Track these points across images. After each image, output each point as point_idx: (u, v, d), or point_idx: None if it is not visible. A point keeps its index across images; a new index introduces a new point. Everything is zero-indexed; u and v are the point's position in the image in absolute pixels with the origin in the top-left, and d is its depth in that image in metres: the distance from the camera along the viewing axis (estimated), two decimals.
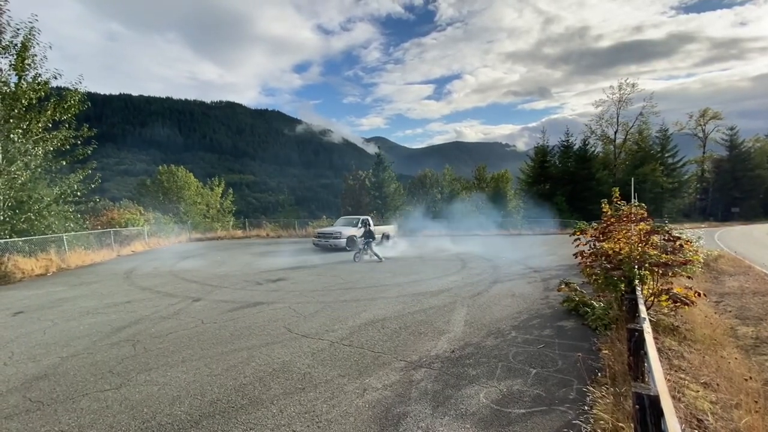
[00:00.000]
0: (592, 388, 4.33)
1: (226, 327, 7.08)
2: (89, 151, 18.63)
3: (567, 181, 46.81)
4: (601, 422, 3.57)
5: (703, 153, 59.24)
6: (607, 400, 3.93)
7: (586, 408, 4.03)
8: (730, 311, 8.35)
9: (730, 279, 11.66)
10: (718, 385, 4.53)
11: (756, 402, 3.98)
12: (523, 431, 3.75)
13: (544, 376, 4.94)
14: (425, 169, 61.69)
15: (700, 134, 59.32)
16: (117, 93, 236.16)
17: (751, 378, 4.81)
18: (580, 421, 3.77)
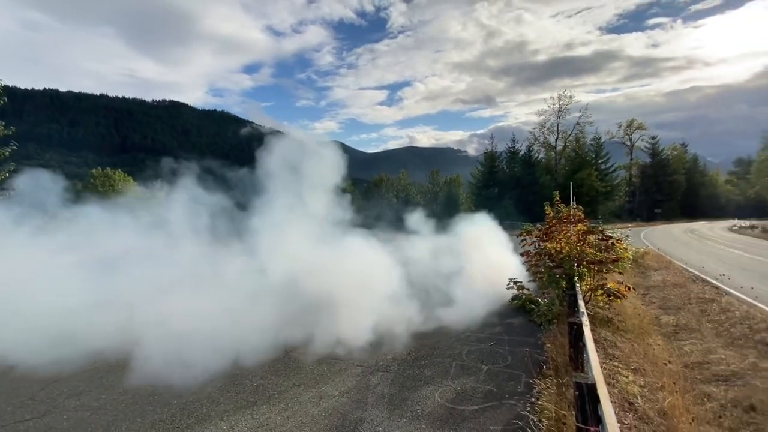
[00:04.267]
0: (538, 381, 4.60)
1: None
2: (7, 153, 16.69)
3: (514, 185, 49.51)
4: (546, 412, 3.80)
5: (630, 160, 65.31)
6: (552, 391, 4.19)
7: (533, 400, 4.27)
8: (655, 302, 9.26)
9: (654, 273, 12.93)
10: (645, 370, 5.00)
11: (675, 383, 4.45)
12: (476, 427, 3.90)
13: (495, 372, 5.16)
14: (380, 174, 62.29)
15: (628, 143, 65.39)
16: (41, 88, 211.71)
17: (670, 362, 5.37)
18: (528, 412, 3.98)
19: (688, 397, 4.39)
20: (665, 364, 5.22)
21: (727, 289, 10.14)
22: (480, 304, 7.89)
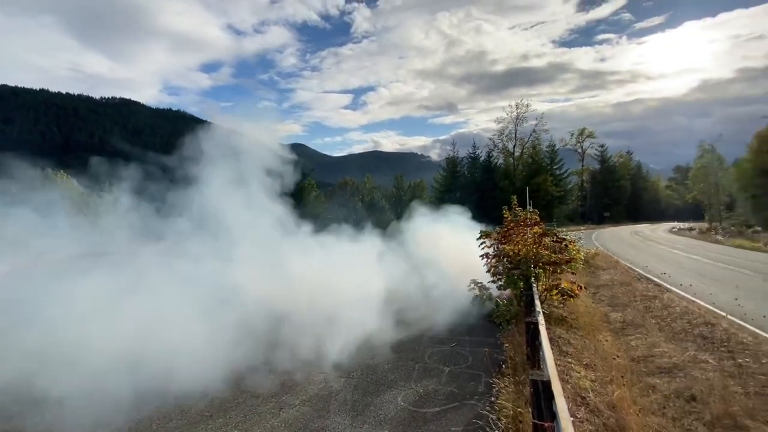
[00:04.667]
0: (497, 380, 4.71)
1: None
2: None
3: (475, 189, 51.00)
4: (505, 410, 3.90)
5: (582, 166, 69.39)
6: (510, 389, 4.31)
7: (493, 399, 4.36)
8: (604, 300, 9.82)
9: (603, 273, 13.75)
10: (596, 365, 5.27)
11: (623, 377, 4.72)
12: (438, 429, 3.91)
13: (456, 373, 5.23)
14: (345, 177, 61.98)
15: (579, 150, 69.47)
16: None
17: (618, 356, 5.69)
18: (487, 411, 4.06)
19: (635, 390, 4.66)
20: (614, 358, 5.53)
21: (668, 286, 10.95)
22: (442, 306, 7.99)
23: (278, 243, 7.70)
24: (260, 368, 5.43)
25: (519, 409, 3.71)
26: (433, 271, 9.44)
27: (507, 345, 5.86)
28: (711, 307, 8.48)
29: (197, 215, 7.44)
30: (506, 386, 4.44)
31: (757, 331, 6.86)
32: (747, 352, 5.72)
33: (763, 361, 5.32)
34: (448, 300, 8.29)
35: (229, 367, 5.30)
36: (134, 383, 4.68)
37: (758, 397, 4.45)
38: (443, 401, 4.47)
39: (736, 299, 9.08)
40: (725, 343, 6.10)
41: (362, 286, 7.74)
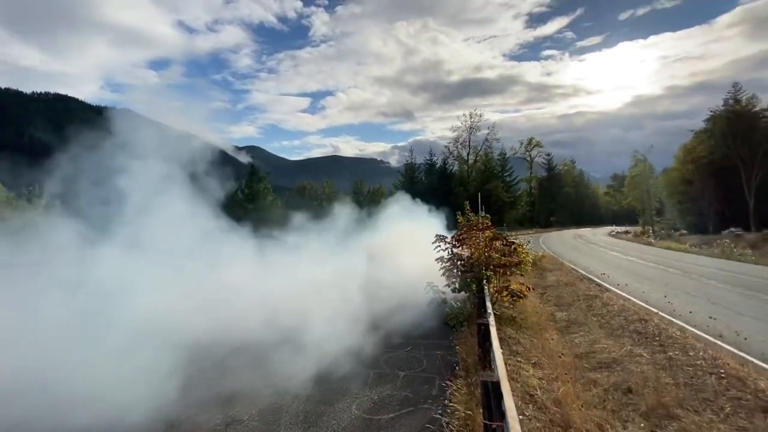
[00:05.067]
0: (450, 382, 4.73)
1: None
2: None
3: (432, 195, 52.12)
4: (457, 413, 3.90)
5: (530, 173, 73.32)
6: (463, 391, 4.33)
7: (446, 402, 4.36)
8: (551, 300, 10.32)
9: (550, 274, 14.48)
10: (543, 363, 5.47)
11: (567, 374, 4.92)
12: None
13: (411, 378, 5.19)
14: (304, 182, 60.89)
15: (528, 158, 73.40)
16: None
17: (563, 354, 5.96)
18: (440, 415, 4.05)
19: (578, 385, 4.88)
20: (559, 356, 5.77)
21: (608, 286, 11.74)
22: (400, 310, 7.96)
23: (221, 257, 7.27)
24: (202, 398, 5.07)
25: (470, 411, 3.73)
26: (391, 274, 9.43)
27: (460, 347, 5.93)
28: (644, 305, 9.17)
29: (124, 223, 6.76)
30: (459, 388, 4.47)
31: (684, 325, 7.50)
32: (676, 345, 6.20)
33: (690, 354, 5.79)
34: (405, 303, 8.29)
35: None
36: None
37: (687, 387, 4.81)
38: (398, 407, 4.40)
39: (666, 297, 9.91)
40: (657, 338, 6.59)
41: (318, 293, 7.53)
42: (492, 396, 3.10)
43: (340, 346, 6.32)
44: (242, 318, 6.51)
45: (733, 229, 29.89)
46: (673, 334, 6.73)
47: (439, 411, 4.14)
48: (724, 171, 38.47)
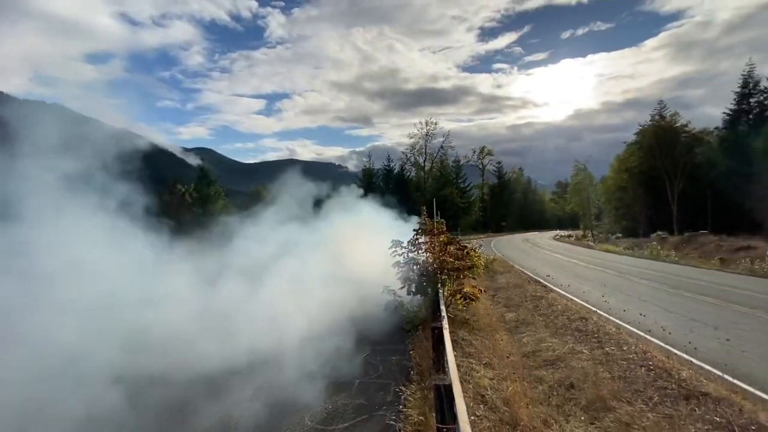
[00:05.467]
0: (404, 388, 4.74)
1: None
2: None
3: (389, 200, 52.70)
4: (410, 418, 3.91)
5: (482, 180, 76.51)
6: (417, 396, 4.36)
7: (401, 407, 4.36)
8: (501, 302, 10.74)
9: (501, 276, 15.10)
10: (493, 363, 5.65)
11: (515, 373, 5.12)
12: None
13: (366, 385, 5.14)
14: (258, 186, 58.93)
15: (480, 166, 76.56)
16: None
17: (512, 353, 6.20)
18: (394, 421, 4.04)
19: (526, 383, 5.09)
20: (508, 356, 6.00)
21: (552, 287, 12.45)
22: (356, 315, 7.88)
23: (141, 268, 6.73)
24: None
25: (422, 417, 3.75)
26: (348, 279, 9.30)
27: (415, 351, 5.98)
28: (585, 304, 9.83)
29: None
30: (413, 393, 4.49)
31: (619, 322, 8.12)
32: (612, 341, 6.68)
33: (624, 348, 6.26)
34: (362, 309, 8.23)
35: None
36: None
37: (621, 380, 5.19)
38: (352, 415, 4.33)
39: (603, 296, 10.68)
40: (596, 335, 7.06)
41: (268, 301, 7.25)
42: (444, 399, 3.14)
43: (293, 356, 6.14)
44: (182, 331, 6.10)
45: (659, 233, 33.03)
46: (610, 331, 7.25)
47: (393, 417, 4.14)
48: (652, 180, 42.55)
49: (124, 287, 6.34)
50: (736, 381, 4.99)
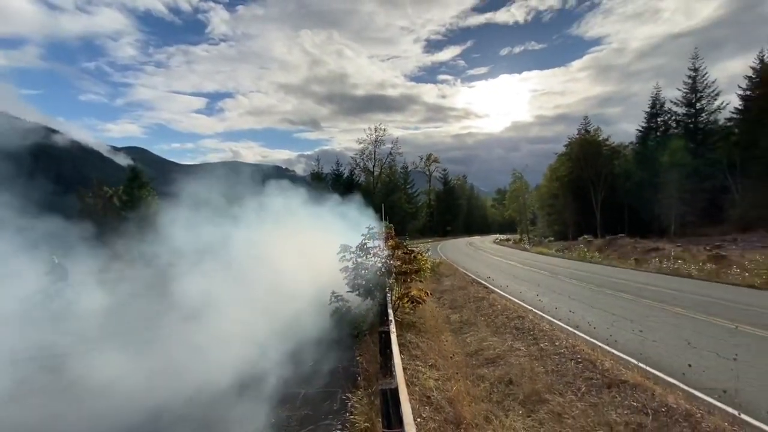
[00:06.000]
0: (351, 395, 4.68)
1: None
2: None
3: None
4: (357, 425, 3.87)
5: (429, 186, 79.02)
6: (363, 402, 4.32)
7: (347, 415, 4.30)
8: (446, 304, 11.09)
9: (446, 279, 15.59)
10: (439, 364, 5.79)
11: (458, 372, 5.29)
12: None
13: (312, 395, 5.01)
14: (198, 188, 55.46)
15: (427, 172, 79.06)
16: None
17: (456, 354, 6.41)
18: (340, 429, 3.97)
19: (469, 382, 5.28)
20: (452, 357, 6.18)
21: (493, 288, 13.09)
22: (303, 323, 7.65)
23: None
24: None
25: (368, 424, 3.73)
26: (295, 285, 9.01)
27: (362, 357, 5.94)
28: (522, 304, 10.45)
29: None
30: (360, 400, 4.45)
31: (552, 319, 8.73)
32: (546, 337, 7.16)
33: (556, 344, 6.73)
34: (308, 316, 8.00)
35: None
36: None
37: (554, 373, 5.57)
38: (296, 428, 4.19)
39: (538, 295, 11.44)
40: (531, 332, 7.53)
41: (207, 309, 6.81)
42: (391, 403, 3.14)
43: (235, 370, 5.81)
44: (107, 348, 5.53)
45: (586, 236, 36.18)
46: (544, 328, 7.76)
47: (339, 426, 4.07)
48: (580, 188, 46.82)
49: None
50: (648, 368, 5.58)
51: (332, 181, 59.01)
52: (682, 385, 5.06)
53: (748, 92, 36.46)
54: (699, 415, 4.04)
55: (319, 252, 9.44)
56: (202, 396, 4.78)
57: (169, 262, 8.14)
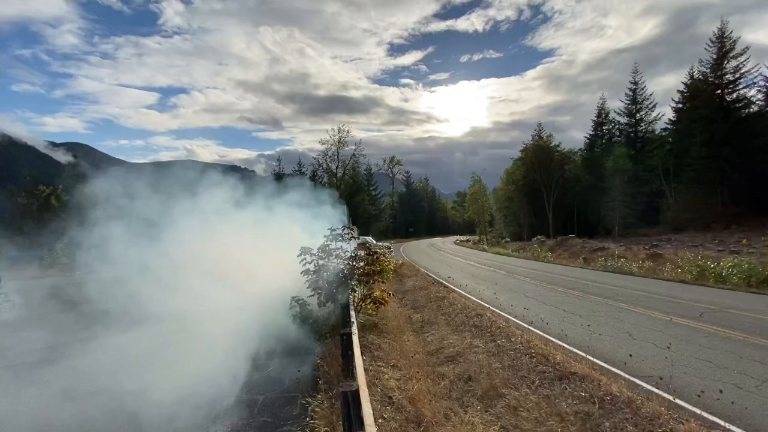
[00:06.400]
0: (311, 399, 4.59)
1: None
2: None
3: None
4: (317, 429, 3.80)
5: (392, 188, 79.74)
6: (324, 406, 4.25)
7: (308, 420, 4.21)
8: (408, 304, 11.20)
9: (408, 280, 15.76)
10: (400, 364, 5.83)
11: (419, 371, 5.35)
12: None
13: (271, 401, 4.86)
14: (149, 187, 52.25)
15: (390, 175, 79.73)
16: None
17: (417, 353, 6.49)
18: None
19: (429, 380, 5.35)
20: (412, 356, 6.25)
21: (453, 287, 13.41)
22: (261, 329, 7.41)
23: None
24: None
25: (328, 428, 3.68)
26: (250, 289, 8.71)
27: (322, 360, 5.86)
28: (480, 302, 10.78)
29: None
30: (321, 404, 4.38)
31: (508, 316, 9.07)
32: (502, 334, 7.43)
33: (512, 340, 7.00)
34: (267, 320, 7.76)
35: None
36: None
37: (510, 369, 5.78)
38: None
39: (495, 294, 11.86)
40: (489, 329, 7.78)
41: (162, 315, 6.43)
42: (352, 405, 3.11)
43: (191, 379, 5.52)
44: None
45: (539, 237, 38.08)
46: (501, 325, 8.05)
47: (299, 431, 3.97)
48: (534, 192, 49.30)
49: None
50: (595, 360, 5.95)
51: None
52: (624, 374, 5.44)
53: (680, 105, 40.15)
54: (639, 401, 4.36)
55: (281, 254, 9.20)
56: (150, 410, 4.48)
57: (109, 268, 7.60)
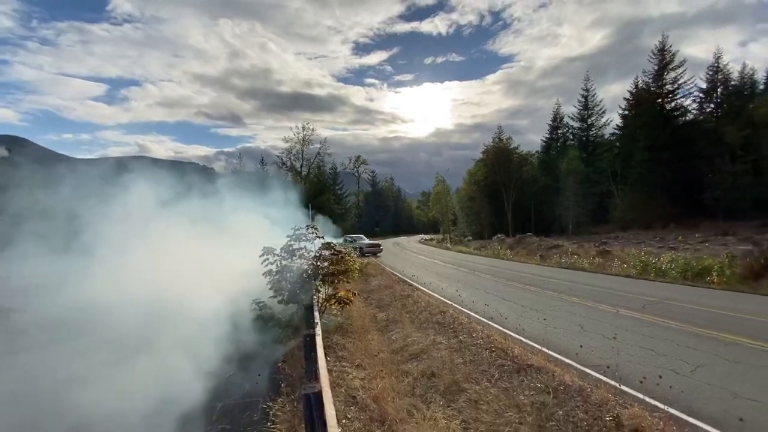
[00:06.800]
0: (272, 403, 4.49)
1: None
2: None
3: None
4: None
5: (358, 188, 79.61)
6: (286, 410, 4.17)
7: (269, 424, 4.10)
8: (373, 303, 11.22)
9: (374, 279, 15.79)
10: (364, 363, 5.82)
11: (383, 370, 5.38)
12: None
13: (230, 407, 4.71)
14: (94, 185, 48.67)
15: (356, 174, 79.53)
16: None
17: (381, 352, 6.51)
18: None
19: (394, 378, 5.39)
20: (376, 355, 6.27)
21: (417, 285, 13.59)
22: (219, 333, 7.12)
23: None
24: None
25: (291, 431, 3.60)
26: (207, 291, 8.34)
27: (285, 363, 5.74)
28: (443, 299, 11.01)
29: None
30: (282, 407, 4.29)
31: (470, 312, 9.32)
32: (464, 330, 7.62)
33: (473, 335, 7.20)
34: (227, 326, 7.47)
35: None
36: None
37: (472, 364, 5.94)
38: None
39: (457, 291, 12.14)
40: (452, 326, 7.96)
41: (110, 318, 6.00)
42: (315, 407, 3.06)
43: (143, 387, 5.20)
44: None
45: (499, 236, 39.46)
46: (463, 321, 8.26)
47: None
48: (494, 192, 51.09)
49: None
50: (550, 352, 6.24)
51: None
52: (576, 365, 5.76)
53: (626, 112, 43.17)
54: (589, 389, 4.63)
55: (240, 254, 8.90)
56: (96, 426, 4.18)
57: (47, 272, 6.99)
